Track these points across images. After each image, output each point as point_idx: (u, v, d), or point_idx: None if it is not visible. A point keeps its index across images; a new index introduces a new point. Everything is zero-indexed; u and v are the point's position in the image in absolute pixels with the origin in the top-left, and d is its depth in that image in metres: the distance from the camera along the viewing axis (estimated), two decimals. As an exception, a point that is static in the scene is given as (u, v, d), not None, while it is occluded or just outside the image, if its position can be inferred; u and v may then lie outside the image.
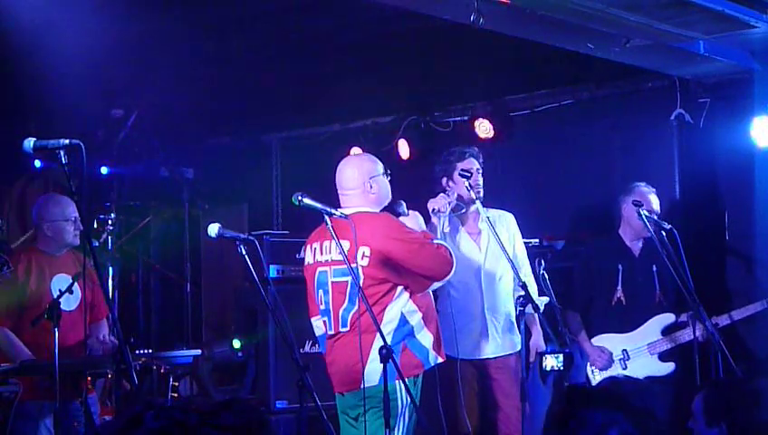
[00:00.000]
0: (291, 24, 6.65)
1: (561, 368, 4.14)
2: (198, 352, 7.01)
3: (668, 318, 6.64)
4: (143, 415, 1.96)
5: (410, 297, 5.10)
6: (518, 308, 5.25)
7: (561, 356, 4.11)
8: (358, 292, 5.03)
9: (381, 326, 4.92)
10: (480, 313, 5.92)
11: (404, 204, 5.33)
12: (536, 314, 5.64)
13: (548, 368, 4.08)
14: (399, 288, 5.08)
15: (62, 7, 5.89)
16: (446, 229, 5.71)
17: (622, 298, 6.59)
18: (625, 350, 6.56)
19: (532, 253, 6.35)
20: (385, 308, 5.01)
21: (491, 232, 5.77)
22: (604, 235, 6.86)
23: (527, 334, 5.63)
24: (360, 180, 5.22)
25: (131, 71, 7.24)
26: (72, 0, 5.89)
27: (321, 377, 5.26)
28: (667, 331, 6.62)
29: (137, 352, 6.16)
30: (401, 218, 5.28)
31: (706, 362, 6.20)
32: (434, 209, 5.55)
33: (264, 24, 6.61)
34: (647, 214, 6.32)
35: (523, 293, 5.27)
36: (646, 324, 6.61)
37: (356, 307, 5.09)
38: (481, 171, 5.98)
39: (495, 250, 5.86)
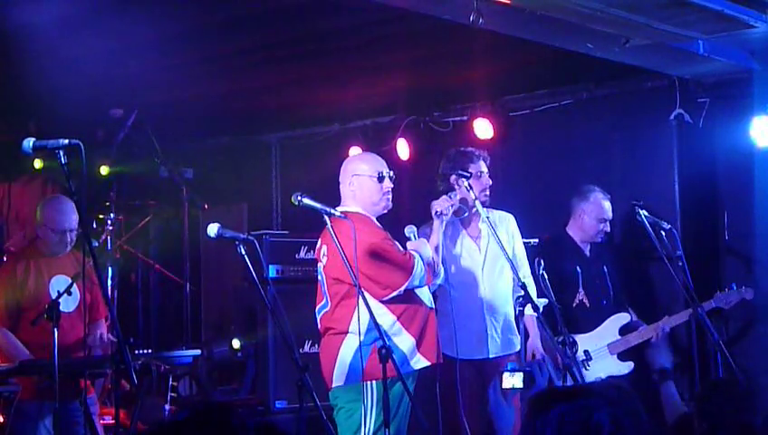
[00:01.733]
0: (290, 24, 6.65)
1: (521, 387, 4.12)
2: (198, 352, 6.99)
3: (624, 318, 6.75)
4: None
5: (380, 300, 5.12)
6: (517, 309, 5.25)
7: (520, 374, 4.10)
8: (326, 291, 5.17)
9: (350, 328, 4.98)
10: (480, 313, 5.93)
11: (414, 230, 5.36)
12: (535, 315, 5.65)
13: (507, 387, 4.05)
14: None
15: (62, 8, 5.89)
16: (448, 231, 5.70)
17: (585, 300, 6.65)
18: (586, 350, 6.59)
19: (532, 253, 6.35)
20: (352, 309, 5.00)
21: (491, 233, 5.78)
22: (555, 235, 6.91)
23: (525, 335, 5.63)
24: (345, 175, 5.35)
25: (131, 71, 7.24)
26: (72, 1, 5.89)
27: (321, 377, 5.27)
28: (625, 330, 6.69)
29: (136, 351, 6.15)
30: (408, 244, 5.31)
31: (706, 360, 6.21)
32: (437, 212, 5.53)
33: (263, 24, 6.60)
34: (645, 214, 6.32)
35: (522, 293, 5.27)
36: (603, 325, 6.70)
37: (328, 307, 5.17)
38: (487, 174, 5.99)
39: (496, 251, 5.86)
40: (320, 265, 5.27)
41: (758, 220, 7.04)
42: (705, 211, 7.44)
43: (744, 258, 7.25)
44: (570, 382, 5.38)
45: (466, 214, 5.96)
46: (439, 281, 5.59)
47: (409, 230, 5.38)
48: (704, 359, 6.55)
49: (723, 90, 7.28)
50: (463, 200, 5.84)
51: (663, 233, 6.23)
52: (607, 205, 6.79)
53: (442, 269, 5.60)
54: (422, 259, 5.19)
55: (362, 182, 5.30)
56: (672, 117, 7.33)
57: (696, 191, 7.43)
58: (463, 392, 5.74)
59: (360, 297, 4.90)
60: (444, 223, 5.55)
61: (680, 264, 6.27)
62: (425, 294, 5.30)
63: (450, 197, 5.68)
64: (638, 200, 6.47)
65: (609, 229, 6.82)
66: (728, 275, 7.27)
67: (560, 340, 5.47)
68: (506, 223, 6.11)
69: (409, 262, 5.13)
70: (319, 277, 5.30)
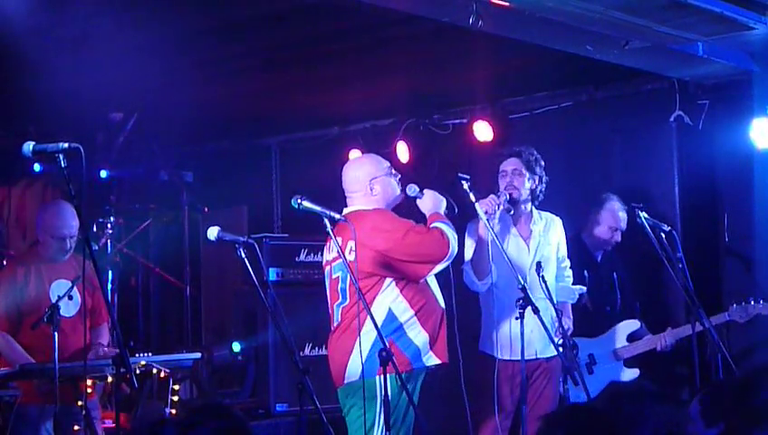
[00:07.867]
0: (290, 28, 6.65)
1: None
2: (198, 355, 7.00)
3: (634, 325, 6.78)
4: None
5: (401, 293, 5.11)
6: (518, 311, 5.24)
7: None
8: (347, 287, 5.11)
9: (367, 320, 4.93)
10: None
11: (415, 187, 5.34)
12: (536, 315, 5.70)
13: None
14: (387, 281, 5.09)
15: (61, 11, 5.89)
16: (496, 229, 5.65)
17: (588, 305, 6.64)
18: (591, 354, 6.59)
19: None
20: (371, 302, 5.00)
21: (542, 234, 5.92)
22: (568, 239, 6.90)
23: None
24: (362, 183, 5.28)
25: (131, 74, 7.24)
26: (72, 4, 5.89)
27: (321, 380, 5.26)
28: (633, 337, 6.69)
29: (136, 355, 6.15)
30: (418, 202, 5.32)
31: (706, 362, 6.21)
32: (485, 211, 5.51)
33: (263, 27, 6.61)
34: (645, 216, 6.32)
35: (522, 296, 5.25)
36: (612, 330, 6.74)
37: (347, 302, 5.15)
38: (521, 172, 5.98)
39: (545, 254, 5.95)
40: (337, 262, 5.18)
41: (758, 222, 7.05)
42: (706, 213, 7.44)
43: (745, 260, 7.25)
44: (570, 385, 5.37)
45: (512, 211, 5.95)
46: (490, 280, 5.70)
47: (410, 189, 5.33)
48: (704, 360, 6.54)
49: (722, 92, 7.28)
50: (510, 199, 5.84)
51: (663, 235, 6.22)
52: (621, 214, 6.81)
53: (495, 269, 5.68)
54: (448, 226, 5.17)
55: (383, 183, 5.29)
56: (672, 119, 7.33)
57: (696, 193, 7.43)
58: (501, 392, 5.77)
59: (380, 290, 5.04)
60: (490, 222, 5.53)
61: (680, 266, 6.27)
62: (438, 294, 5.29)
63: (498, 195, 5.70)
64: (638, 202, 6.47)
65: (619, 239, 6.83)
66: (729, 276, 7.28)
67: (559, 342, 5.45)
68: (554, 225, 6.15)
69: (441, 232, 5.10)
70: (336, 274, 5.22)
